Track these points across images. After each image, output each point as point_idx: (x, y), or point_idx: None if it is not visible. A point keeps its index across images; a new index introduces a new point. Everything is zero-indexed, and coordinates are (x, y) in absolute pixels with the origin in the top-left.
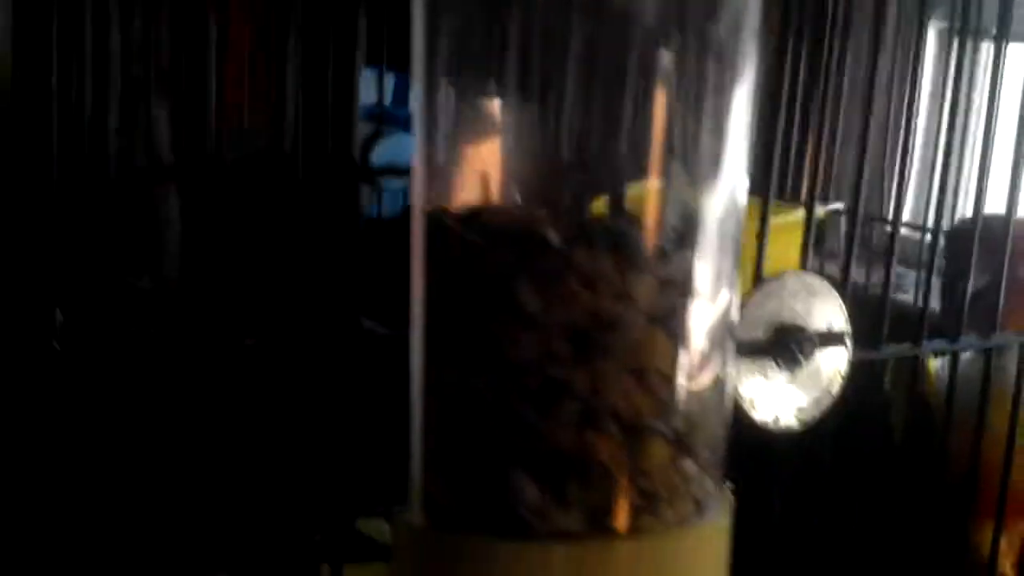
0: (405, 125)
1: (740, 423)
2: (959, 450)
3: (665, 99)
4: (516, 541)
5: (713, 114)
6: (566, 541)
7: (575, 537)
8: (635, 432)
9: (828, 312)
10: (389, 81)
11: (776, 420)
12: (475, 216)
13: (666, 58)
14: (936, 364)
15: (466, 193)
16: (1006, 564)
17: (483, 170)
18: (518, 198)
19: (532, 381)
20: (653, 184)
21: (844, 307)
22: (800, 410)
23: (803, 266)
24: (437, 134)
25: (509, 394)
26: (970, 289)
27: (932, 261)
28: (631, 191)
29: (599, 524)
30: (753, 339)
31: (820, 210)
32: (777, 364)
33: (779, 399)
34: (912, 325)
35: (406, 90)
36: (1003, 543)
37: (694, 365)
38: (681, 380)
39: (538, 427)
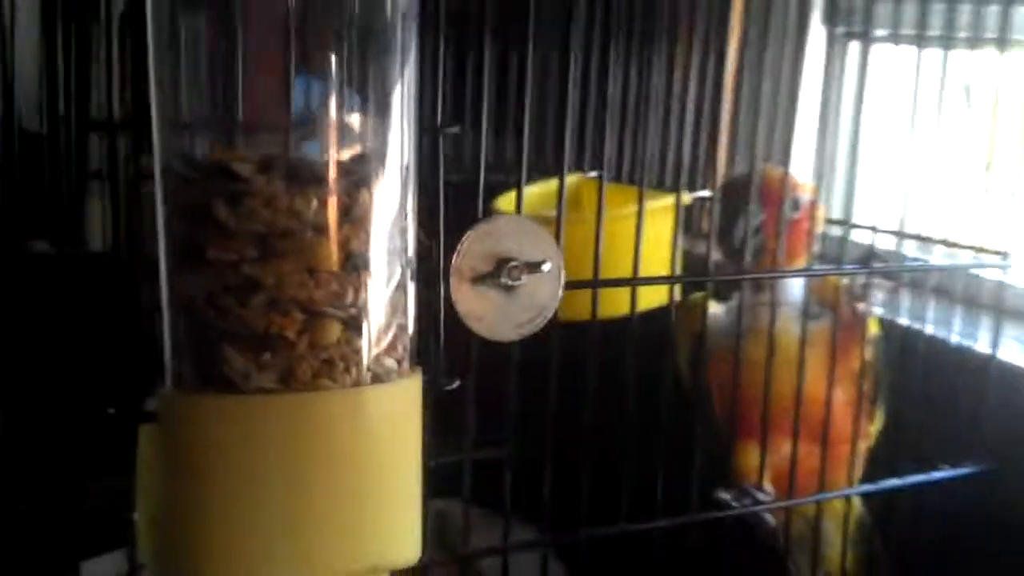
0: None
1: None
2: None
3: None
4: (227, 395)
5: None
6: (263, 395)
7: (270, 392)
8: (312, 315)
9: (541, 247)
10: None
11: (495, 333)
12: (191, 157)
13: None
14: (714, 308)
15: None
16: (765, 479)
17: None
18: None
19: (231, 278)
20: (326, 132)
21: (557, 244)
22: (519, 326)
23: (673, 244)
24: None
25: (216, 289)
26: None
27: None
28: None
29: (288, 383)
30: (475, 268)
31: (687, 197)
32: (495, 288)
33: (499, 317)
34: None
35: None
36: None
37: (363, 268)
38: (352, 278)
39: (238, 312)
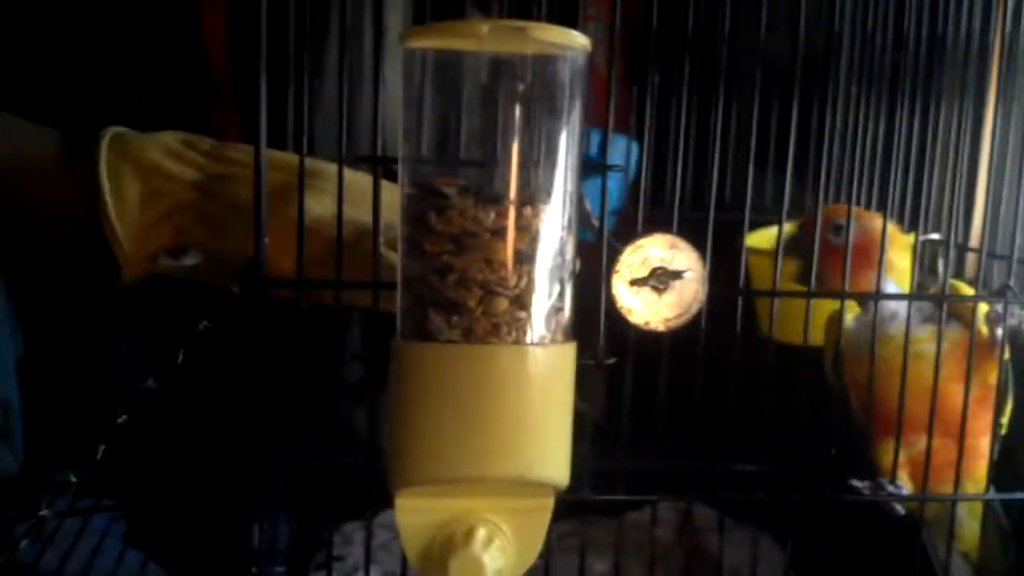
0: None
1: (625, 323)
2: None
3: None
4: (430, 343)
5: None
6: (452, 344)
7: (457, 343)
8: (488, 292)
9: (687, 261)
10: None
11: (647, 324)
12: (419, 182)
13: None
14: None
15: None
16: (903, 474)
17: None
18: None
19: (435, 264)
20: (509, 168)
21: (702, 259)
22: (667, 320)
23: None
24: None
25: (427, 271)
26: None
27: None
28: None
29: (470, 337)
30: (635, 274)
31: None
32: (650, 289)
33: (650, 311)
34: None
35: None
36: (901, 456)
37: (527, 262)
38: (517, 268)
39: (439, 287)
